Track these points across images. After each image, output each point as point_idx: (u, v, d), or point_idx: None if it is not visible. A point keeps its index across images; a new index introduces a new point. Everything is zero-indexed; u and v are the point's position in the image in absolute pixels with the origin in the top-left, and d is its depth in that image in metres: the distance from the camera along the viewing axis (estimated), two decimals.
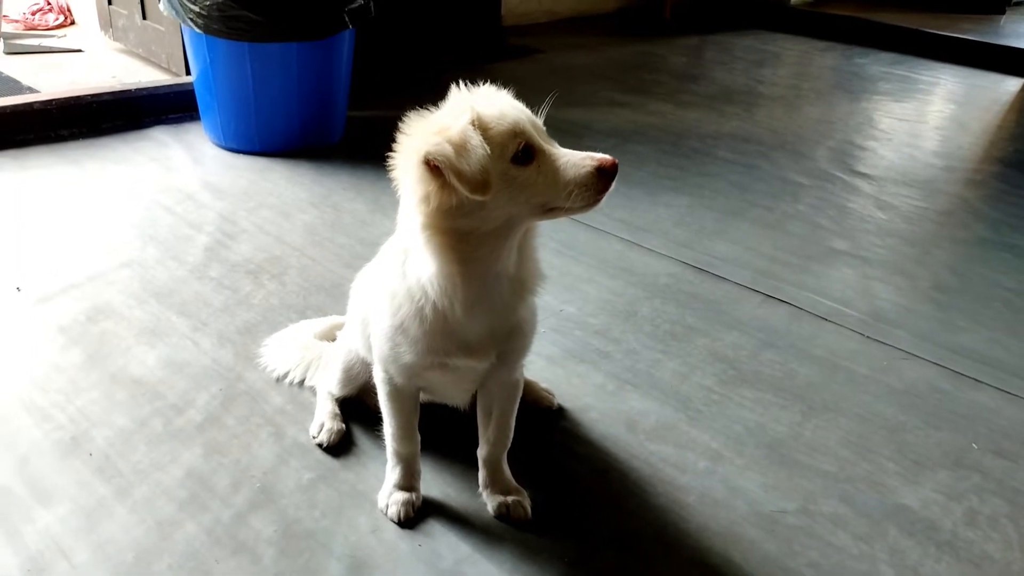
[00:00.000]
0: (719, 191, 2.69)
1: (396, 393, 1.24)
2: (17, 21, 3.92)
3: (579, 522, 1.31)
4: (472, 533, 1.27)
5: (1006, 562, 1.29)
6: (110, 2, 3.48)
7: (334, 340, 1.62)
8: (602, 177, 1.02)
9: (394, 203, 1.10)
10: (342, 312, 1.70)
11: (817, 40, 5.28)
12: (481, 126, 1.00)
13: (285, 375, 1.60)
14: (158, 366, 1.62)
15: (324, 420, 1.45)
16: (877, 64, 4.75)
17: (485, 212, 1.02)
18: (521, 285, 1.15)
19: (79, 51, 3.56)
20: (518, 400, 1.30)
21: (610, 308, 1.96)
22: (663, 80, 4.07)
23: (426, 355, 1.14)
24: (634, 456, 1.47)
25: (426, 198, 1.01)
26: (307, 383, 1.58)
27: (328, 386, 1.50)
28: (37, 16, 3.99)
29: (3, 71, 3.20)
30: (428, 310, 1.10)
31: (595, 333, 1.84)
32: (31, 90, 2.94)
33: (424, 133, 1.01)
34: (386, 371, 1.22)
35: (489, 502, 1.31)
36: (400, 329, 1.14)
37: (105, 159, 2.60)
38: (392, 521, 1.27)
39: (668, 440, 1.52)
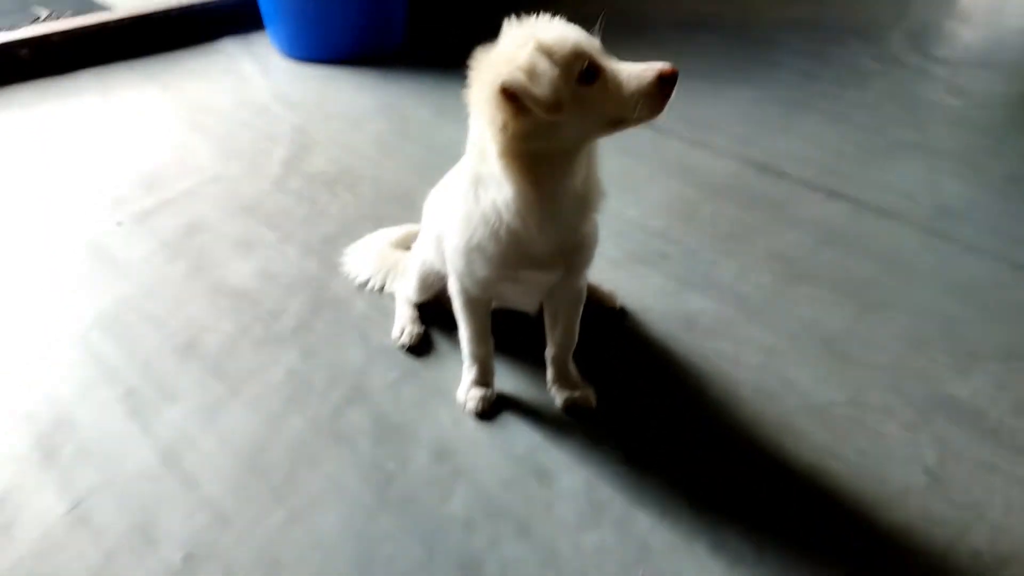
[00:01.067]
0: (785, 82, 2.66)
1: (471, 302, 1.36)
2: None
3: (640, 414, 1.44)
4: (543, 424, 1.41)
5: None
6: None
7: (409, 248, 1.74)
8: (663, 85, 1.08)
9: (457, 107, 1.17)
10: (414, 220, 1.82)
11: None
12: (546, 52, 1.06)
13: (366, 282, 1.73)
14: (252, 275, 1.77)
15: (405, 324, 1.59)
16: None
17: (559, 132, 1.10)
18: (586, 203, 1.23)
19: None
20: (582, 306, 1.40)
21: (671, 210, 2.02)
22: None
23: (500, 270, 1.24)
24: (692, 352, 1.57)
25: (504, 126, 1.09)
26: (386, 290, 1.71)
27: (406, 293, 1.62)
28: None
29: None
30: (503, 231, 1.19)
31: (656, 235, 1.92)
32: (100, 7, 3.04)
33: (494, 65, 1.08)
34: (461, 283, 1.33)
35: (557, 397, 1.44)
36: (476, 248, 1.23)
37: (181, 75, 2.71)
38: (470, 414, 1.42)
39: (725, 337, 1.61)
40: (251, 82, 2.67)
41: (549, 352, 1.44)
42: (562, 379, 1.44)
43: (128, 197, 2.05)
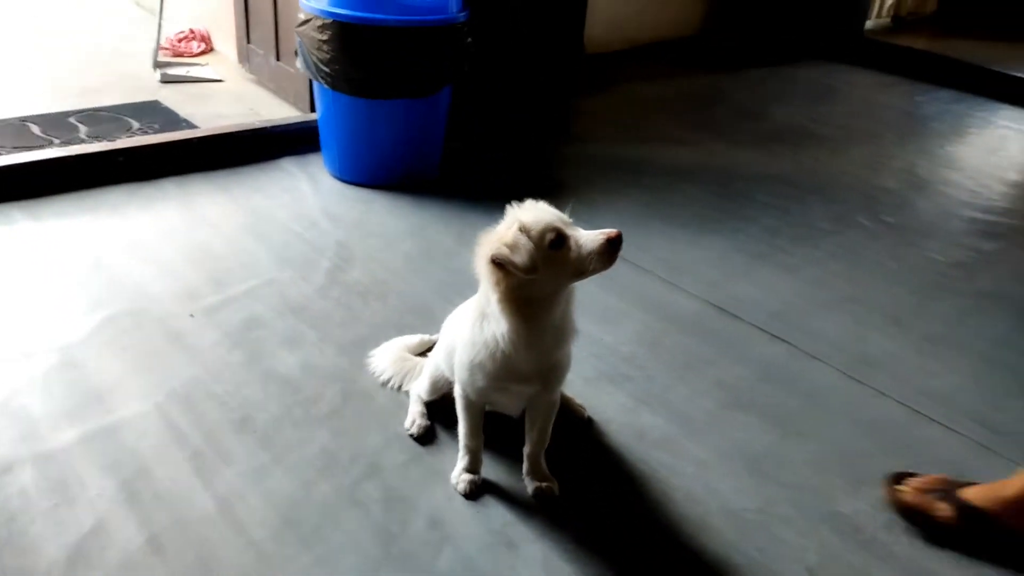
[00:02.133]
0: (752, 235, 3.14)
1: (469, 405, 1.78)
2: (166, 49, 4.61)
3: (593, 505, 1.83)
4: (516, 506, 1.81)
5: (908, 557, 1.75)
6: (248, 41, 4.13)
7: (422, 354, 2.19)
8: (611, 245, 1.52)
9: (474, 236, 1.61)
10: (429, 331, 2.27)
11: (885, 74, 5.54)
12: (525, 230, 1.53)
13: (388, 381, 2.16)
14: (297, 367, 2.20)
15: (415, 417, 2.00)
16: (936, 103, 5.02)
17: (538, 285, 1.55)
18: (563, 335, 1.68)
19: (220, 81, 4.22)
20: (555, 414, 1.82)
21: (640, 339, 2.45)
22: (723, 116, 4.50)
23: (494, 382, 1.68)
24: (640, 460, 1.98)
25: (497, 283, 1.55)
26: (403, 388, 2.13)
27: (419, 391, 2.05)
28: (183, 44, 4.68)
29: (161, 101, 3.87)
30: (499, 354, 1.63)
31: (624, 360, 2.35)
32: (187, 122, 3.59)
33: (489, 242, 1.55)
34: (464, 390, 1.76)
35: (529, 486, 1.84)
36: (479, 365, 1.67)
37: (247, 188, 3.22)
38: (460, 494, 1.82)
39: (668, 449, 2.02)
40: (305, 199, 3.17)
41: (526, 449, 1.85)
42: (534, 471, 1.85)
43: (199, 293, 2.50)
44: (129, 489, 1.76)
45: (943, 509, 1.77)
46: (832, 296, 2.76)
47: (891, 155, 4.09)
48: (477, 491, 1.83)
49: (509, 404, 1.83)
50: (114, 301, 2.43)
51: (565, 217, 1.59)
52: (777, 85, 5.22)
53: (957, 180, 3.84)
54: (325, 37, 3.00)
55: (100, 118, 3.60)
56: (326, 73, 3.06)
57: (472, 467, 1.84)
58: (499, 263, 1.53)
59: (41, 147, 3.21)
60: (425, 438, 1.98)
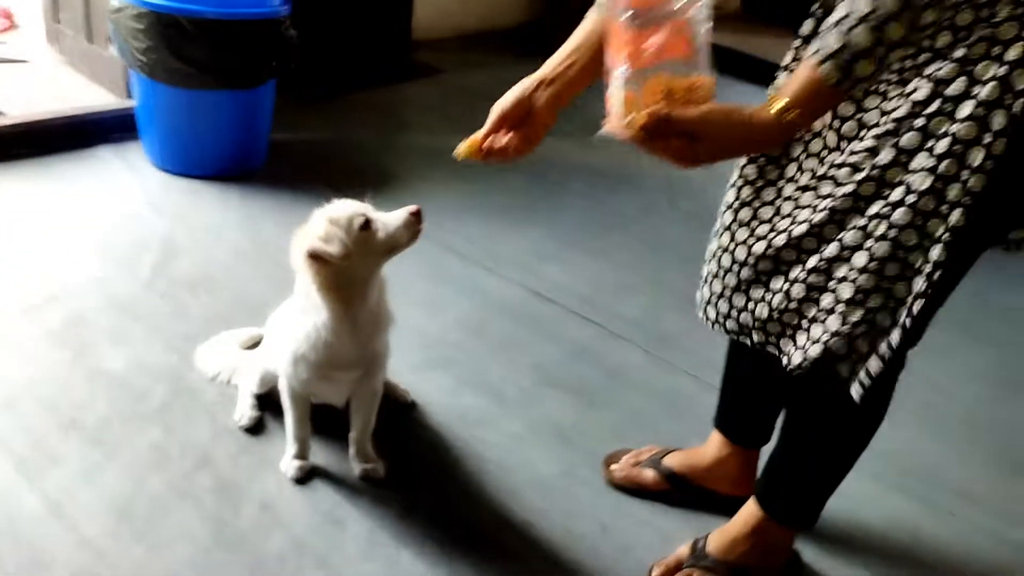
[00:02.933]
0: (566, 223, 3.40)
1: (295, 396, 1.90)
2: None
3: (416, 482, 2.01)
4: (343, 488, 1.95)
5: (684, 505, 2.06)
6: (57, 20, 3.93)
7: (251, 347, 2.28)
8: (415, 219, 1.72)
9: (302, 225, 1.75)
10: (259, 324, 2.35)
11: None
12: (333, 222, 1.69)
13: (216, 375, 2.23)
14: (124, 364, 2.22)
15: (244, 409, 2.09)
16: (738, 96, 5.52)
17: (354, 269, 1.71)
18: (380, 322, 1.85)
19: (25, 62, 3.99)
20: (378, 401, 1.98)
21: (464, 326, 2.64)
22: None
23: (317, 371, 1.82)
24: (459, 438, 2.17)
25: (316, 274, 1.69)
26: (232, 382, 2.21)
27: (248, 385, 2.14)
28: None
29: None
30: (320, 344, 1.77)
31: (449, 345, 2.53)
32: None
33: (304, 238, 1.69)
34: (288, 383, 1.88)
35: (356, 468, 1.99)
36: (301, 357, 1.80)
37: (62, 179, 3.12)
38: (290, 480, 1.94)
39: (486, 427, 2.22)
40: (125, 190, 3.12)
41: (352, 434, 2.00)
42: (360, 454, 2.00)
43: (14, 293, 2.45)
44: None
45: (650, 476, 2.05)
46: (636, 279, 3.07)
47: None
48: (306, 476, 1.96)
49: (333, 394, 1.97)
50: None
51: (369, 207, 1.75)
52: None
53: None
54: (141, 26, 2.95)
55: None
56: (143, 63, 3.02)
57: (301, 454, 1.97)
58: (315, 256, 1.66)
59: None
60: (255, 429, 2.08)
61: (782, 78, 1.50)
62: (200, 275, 2.68)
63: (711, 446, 2.03)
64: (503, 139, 1.55)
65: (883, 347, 1.38)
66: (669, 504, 2.05)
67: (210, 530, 1.79)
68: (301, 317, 1.79)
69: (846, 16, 1.12)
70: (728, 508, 1.93)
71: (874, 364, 1.39)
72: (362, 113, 4.21)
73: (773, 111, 1.19)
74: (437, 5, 5.43)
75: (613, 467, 2.10)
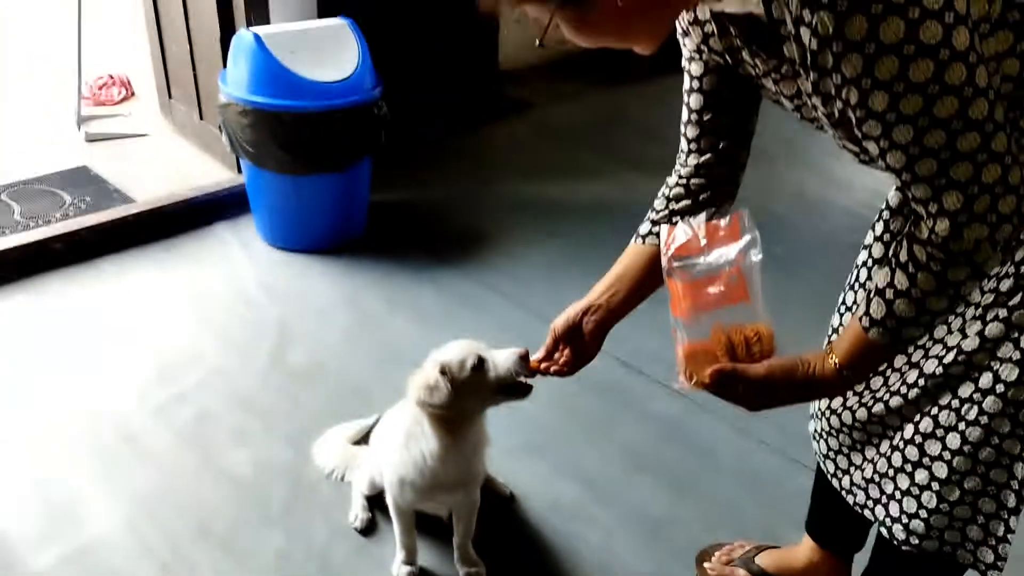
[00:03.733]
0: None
1: (400, 511, 2.06)
2: (87, 98, 4.65)
3: None
4: None
5: None
6: (170, 96, 4.23)
7: (361, 441, 2.45)
8: (523, 361, 1.76)
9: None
10: (366, 412, 2.52)
11: None
12: (445, 369, 1.80)
13: (331, 472, 2.42)
14: (247, 464, 2.44)
15: (357, 511, 2.28)
16: None
17: (461, 407, 1.83)
18: (480, 446, 1.97)
19: (145, 135, 4.32)
20: (476, 509, 2.11)
21: (556, 404, 2.74)
22: (627, 140, 4.76)
23: (421, 494, 1.97)
24: (556, 532, 2.29)
25: (427, 411, 1.83)
26: (345, 478, 2.39)
27: (359, 486, 2.31)
28: (103, 91, 4.73)
29: (89, 167, 3.97)
30: (426, 470, 1.91)
31: (540, 428, 2.64)
32: (118, 193, 3.72)
33: (416, 381, 1.81)
34: (394, 499, 2.04)
35: (460, 571, 2.14)
36: (408, 482, 1.96)
37: (185, 260, 3.40)
38: None
39: (580, 520, 2.33)
40: (241, 270, 3.36)
41: (455, 540, 2.14)
42: (464, 559, 2.15)
43: (149, 390, 2.71)
44: None
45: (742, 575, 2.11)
46: None
47: (782, 177, 4.43)
48: None
49: (437, 508, 2.12)
50: (69, 402, 2.62)
51: (483, 345, 1.86)
52: (678, 99, 5.48)
53: (841, 201, 4.20)
54: (247, 121, 3.17)
55: (31, 192, 3.71)
56: (250, 152, 3.24)
57: (409, 559, 2.13)
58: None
59: None
60: (367, 530, 2.25)
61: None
62: (312, 364, 2.88)
63: (803, 549, 2.08)
64: (561, 357, 1.70)
65: (999, 531, 1.44)
66: None
67: None
68: (409, 442, 1.93)
69: (888, 286, 1.16)
70: None
71: (989, 553, 1.45)
72: (454, 163, 4.36)
73: (831, 364, 1.24)
74: (522, 35, 5.49)
75: (706, 565, 2.18)
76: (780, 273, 3.50)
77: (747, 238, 1.30)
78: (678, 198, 1.57)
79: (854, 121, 1.08)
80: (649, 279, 1.58)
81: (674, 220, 1.52)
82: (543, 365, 1.67)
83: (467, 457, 1.94)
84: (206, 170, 3.96)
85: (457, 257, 3.54)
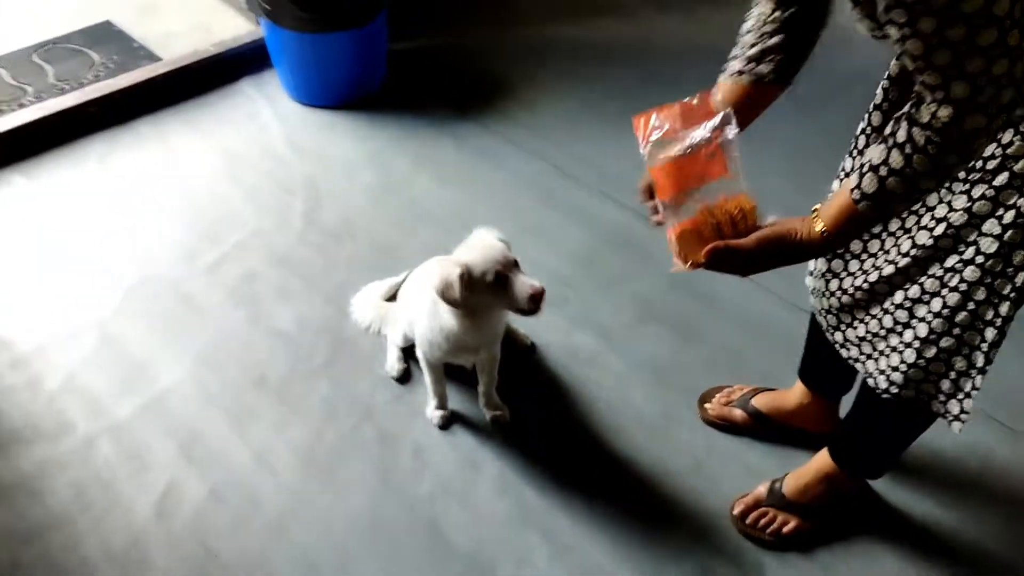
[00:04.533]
0: None
1: (429, 364, 2.31)
2: None
3: (537, 423, 2.42)
4: (479, 432, 2.39)
5: (774, 442, 2.37)
6: None
7: (392, 298, 2.67)
8: (533, 301, 1.94)
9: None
10: (395, 269, 2.72)
11: None
12: (465, 270, 1.96)
13: (368, 327, 2.66)
14: (292, 321, 2.69)
15: (393, 362, 2.53)
16: None
17: (472, 305, 2.02)
18: (500, 321, 2.20)
19: None
20: (497, 363, 2.35)
21: (576, 258, 2.92)
22: None
23: (446, 355, 2.21)
24: (573, 377, 2.54)
25: (444, 300, 2.02)
26: (381, 332, 2.64)
27: (393, 339, 2.56)
28: None
29: (112, 22, 3.98)
30: (450, 338, 2.14)
31: (562, 282, 2.83)
32: (143, 49, 3.77)
33: (438, 274, 1.98)
34: (423, 355, 2.28)
35: (486, 414, 2.42)
36: (435, 344, 2.19)
37: (215, 119, 3.49)
38: (436, 426, 2.40)
39: (594, 366, 2.57)
40: (269, 128, 3.46)
41: (480, 387, 2.40)
42: (489, 403, 2.42)
43: (198, 250, 2.92)
44: (186, 451, 2.32)
45: (739, 415, 2.36)
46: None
47: None
48: (447, 422, 2.40)
49: (462, 361, 2.36)
50: (128, 268, 2.86)
51: (509, 255, 2.00)
52: None
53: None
54: None
55: (60, 53, 3.76)
56: (268, 11, 3.26)
57: (441, 404, 2.40)
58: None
59: (17, 99, 3.45)
60: (403, 378, 2.52)
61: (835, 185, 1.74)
62: (341, 222, 3.05)
63: (795, 392, 2.31)
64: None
65: (967, 387, 1.63)
66: (757, 439, 2.37)
67: (378, 474, 2.28)
68: (435, 313, 2.14)
69: (883, 163, 1.25)
70: (810, 444, 2.24)
71: (956, 406, 1.66)
72: (473, 5, 4.28)
73: (817, 231, 1.36)
74: None
75: (707, 406, 2.43)
76: (801, 113, 3.52)
77: (721, 115, 1.38)
78: (767, 35, 1.56)
79: (881, 6, 1.12)
80: (743, 115, 1.52)
81: (764, 58, 1.55)
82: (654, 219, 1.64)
83: (485, 331, 2.16)
84: (226, 21, 3.96)
85: (477, 109, 3.60)
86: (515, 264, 2.00)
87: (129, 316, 2.70)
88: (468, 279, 1.95)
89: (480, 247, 2.01)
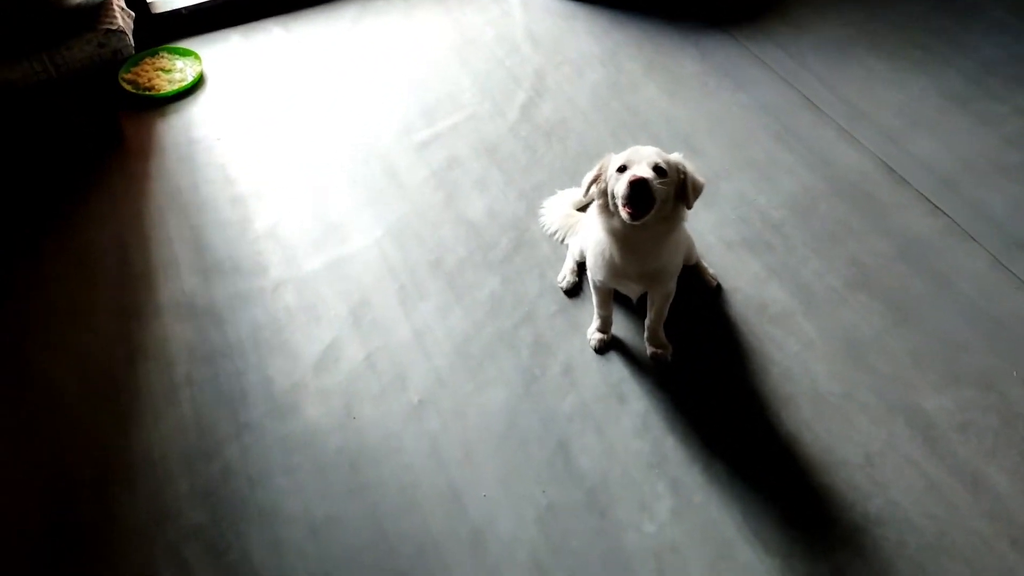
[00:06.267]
0: (962, 71, 2.95)
1: (594, 285, 2.19)
2: None
3: (700, 372, 2.24)
4: (634, 366, 2.26)
5: (966, 461, 2.02)
6: None
7: (584, 208, 2.56)
8: (631, 188, 1.78)
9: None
10: None
11: None
12: (604, 165, 1.89)
13: (553, 233, 2.58)
14: (483, 211, 2.68)
15: (567, 273, 2.44)
16: None
17: (603, 202, 1.92)
18: (655, 255, 1.98)
19: None
20: (670, 300, 2.17)
21: (794, 203, 2.61)
22: None
23: (608, 277, 2.08)
24: (752, 333, 2.31)
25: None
26: (564, 241, 2.55)
27: (572, 251, 2.46)
28: None
29: None
30: (604, 258, 2.01)
31: (771, 226, 2.55)
32: None
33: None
34: (591, 276, 2.16)
35: (648, 349, 2.27)
36: (594, 264, 2.07)
37: (463, 4, 3.49)
38: (592, 348, 2.30)
39: (781, 326, 2.31)
40: (511, 14, 3.40)
41: (647, 321, 2.25)
42: (652, 339, 2.26)
43: (414, 126, 2.97)
44: (355, 314, 2.43)
45: None
46: (1020, 159, 2.66)
47: None
48: (605, 347, 2.29)
49: (628, 291, 2.21)
50: (349, 130, 2.98)
51: (651, 154, 1.84)
52: None
53: None
54: None
55: None
56: None
57: (603, 328, 2.29)
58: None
59: None
60: (572, 292, 2.43)
61: None
62: (557, 119, 2.95)
63: None
64: None
65: None
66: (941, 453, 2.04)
67: (523, 381, 2.24)
68: (596, 230, 2.01)
69: None
70: None
71: None
72: None
73: None
74: None
75: None
76: None
77: None
78: None
79: None
80: None
81: None
82: None
83: (639, 257, 1.98)
84: None
85: (731, 21, 3.27)
86: (651, 165, 1.82)
87: (337, 176, 2.83)
88: (602, 170, 1.89)
89: (629, 151, 1.89)
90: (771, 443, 2.09)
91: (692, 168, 1.90)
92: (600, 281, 2.13)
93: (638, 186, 1.77)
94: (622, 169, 1.83)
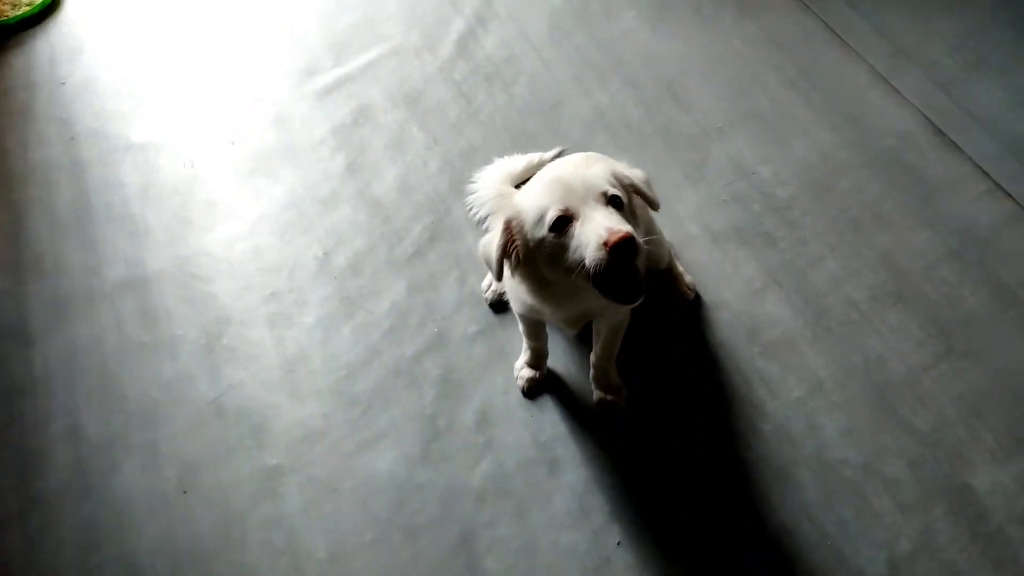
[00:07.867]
0: None
1: (522, 317, 1.56)
2: None
3: (661, 426, 1.62)
4: (574, 415, 1.65)
5: None
6: None
7: (525, 183, 1.90)
8: (612, 252, 1.12)
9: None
10: (549, 141, 1.96)
11: None
12: (515, 216, 1.25)
13: (483, 219, 1.93)
14: (392, 185, 2.02)
15: (492, 281, 1.81)
16: None
17: (539, 270, 1.28)
18: (589, 300, 1.33)
19: None
20: (621, 332, 1.55)
21: (808, 175, 1.94)
22: None
23: (531, 313, 1.46)
24: (739, 370, 1.68)
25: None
26: (488, 227, 1.90)
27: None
28: None
29: None
30: (524, 299, 1.38)
31: (775, 209, 1.89)
32: None
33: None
34: (511, 304, 1.53)
35: (594, 393, 1.66)
36: (513, 294, 1.44)
37: None
38: (520, 389, 1.68)
39: (780, 358, 1.68)
40: None
41: (592, 358, 1.63)
42: (600, 380, 1.65)
43: (319, 66, 2.29)
44: (208, 334, 1.83)
45: None
46: None
47: None
48: (536, 389, 1.68)
49: (561, 328, 1.58)
50: (237, 71, 2.32)
51: (606, 182, 1.21)
52: None
53: None
54: None
55: None
56: None
57: (534, 363, 1.68)
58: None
59: None
60: (499, 306, 1.81)
61: None
62: (503, 58, 2.25)
63: None
64: None
65: None
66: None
67: (421, 437, 1.65)
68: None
69: None
70: None
71: None
72: None
73: None
74: None
75: None
76: None
77: None
78: None
79: None
80: None
81: None
82: None
83: (569, 305, 1.36)
84: None
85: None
86: (605, 198, 1.19)
87: (212, 137, 2.18)
88: (513, 231, 1.25)
89: (548, 180, 1.24)
90: (758, 540, 1.49)
91: (634, 173, 1.31)
92: (523, 314, 1.50)
93: (623, 250, 1.12)
94: (562, 221, 1.18)
